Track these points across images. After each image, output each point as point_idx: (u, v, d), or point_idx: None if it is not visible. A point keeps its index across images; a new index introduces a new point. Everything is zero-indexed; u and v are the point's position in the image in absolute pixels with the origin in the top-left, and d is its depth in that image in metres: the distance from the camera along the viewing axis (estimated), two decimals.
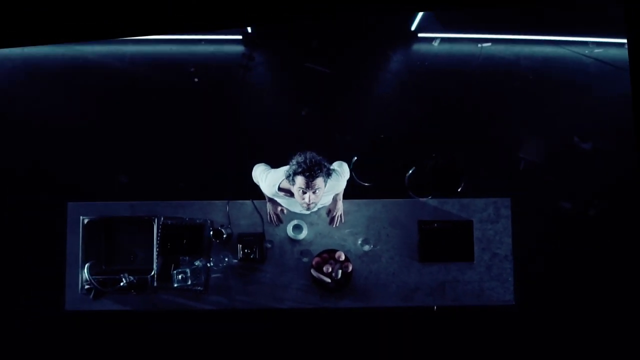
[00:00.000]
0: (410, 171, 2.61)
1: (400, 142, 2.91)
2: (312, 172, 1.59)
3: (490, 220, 2.22)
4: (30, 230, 2.87)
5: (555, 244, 2.91)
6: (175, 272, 2.05)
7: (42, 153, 2.96)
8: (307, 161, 1.59)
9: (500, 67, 3.03)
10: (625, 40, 3.03)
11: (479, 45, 3.03)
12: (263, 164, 2.01)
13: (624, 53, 3.06)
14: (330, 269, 2.06)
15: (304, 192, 1.66)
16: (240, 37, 2.97)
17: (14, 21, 1.50)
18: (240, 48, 3.01)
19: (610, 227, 2.93)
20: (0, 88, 3.01)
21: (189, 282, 2.05)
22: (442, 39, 3.01)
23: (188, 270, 2.02)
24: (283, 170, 1.77)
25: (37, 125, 2.98)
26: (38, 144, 2.97)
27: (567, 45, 3.04)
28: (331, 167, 1.79)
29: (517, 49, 3.04)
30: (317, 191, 1.66)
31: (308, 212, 1.90)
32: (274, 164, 2.04)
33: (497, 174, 2.95)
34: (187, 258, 2.13)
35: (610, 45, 3.04)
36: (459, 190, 2.46)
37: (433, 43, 3.02)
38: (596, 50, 3.03)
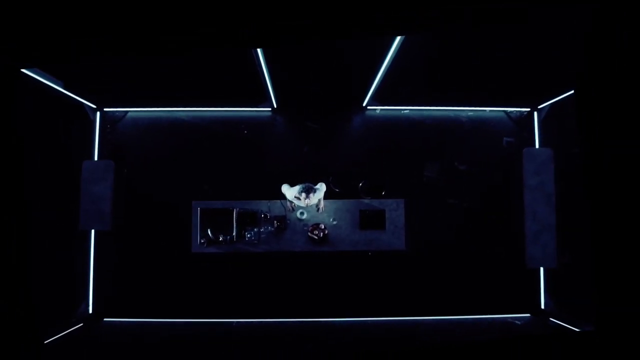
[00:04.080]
0: (361, 184, 4.97)
1: (355, 168, 5.26)
2: (308, 192, 3.91)
3: (394, 209, 4.58)
4: (172, 216, 5.10)
5: (440, 222, 5.25)
6: (246, 233, 4.44)
7: (164, 175, 5.22)
8: (306, 187, 3.93)
9: (414, 125, 5.30)
10: (485, 108, 5.35)
11: (402, 111, 5.34)
12: (287, 184, 4.29)
13: (487, 115, 5.36)
14: (317, 232, 4.46)
15: (305, 199, 4.01)
16: (269, 109, 5.28)
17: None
18: (269, 114, 5.33)
19: (475, 213, 5.22)
20: (135, 138, 5.33)
21: (253, 238, 4.45)
22: (382, 109, 5.33)
23: (253, 232, 4.42)
24: (296, 189, 4.09)
25: (156, 160, 5.29)
26: (159, 171, 5.22)
27: (452, 118, 5.34)
28: (316, 187, 4.14)
29: (425, 113, 5.27)
30: (310, 199, 4.00)
31: (306, 207, 4.28)
32: (290, 181, 4.34)
33: (410, 184, 5.29)
34: (249, 227, 4.52)
35: (477, 111, 5.32)
36: (383, 194, 4.83)
37: (376, 111, 5.33)
38: (469, 114, 5.33)
